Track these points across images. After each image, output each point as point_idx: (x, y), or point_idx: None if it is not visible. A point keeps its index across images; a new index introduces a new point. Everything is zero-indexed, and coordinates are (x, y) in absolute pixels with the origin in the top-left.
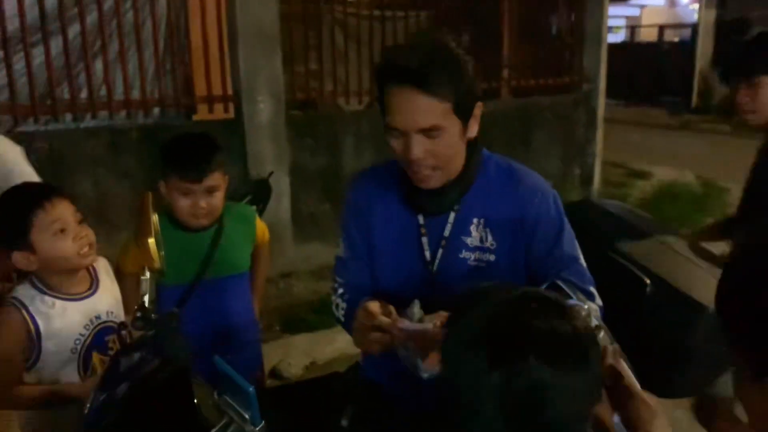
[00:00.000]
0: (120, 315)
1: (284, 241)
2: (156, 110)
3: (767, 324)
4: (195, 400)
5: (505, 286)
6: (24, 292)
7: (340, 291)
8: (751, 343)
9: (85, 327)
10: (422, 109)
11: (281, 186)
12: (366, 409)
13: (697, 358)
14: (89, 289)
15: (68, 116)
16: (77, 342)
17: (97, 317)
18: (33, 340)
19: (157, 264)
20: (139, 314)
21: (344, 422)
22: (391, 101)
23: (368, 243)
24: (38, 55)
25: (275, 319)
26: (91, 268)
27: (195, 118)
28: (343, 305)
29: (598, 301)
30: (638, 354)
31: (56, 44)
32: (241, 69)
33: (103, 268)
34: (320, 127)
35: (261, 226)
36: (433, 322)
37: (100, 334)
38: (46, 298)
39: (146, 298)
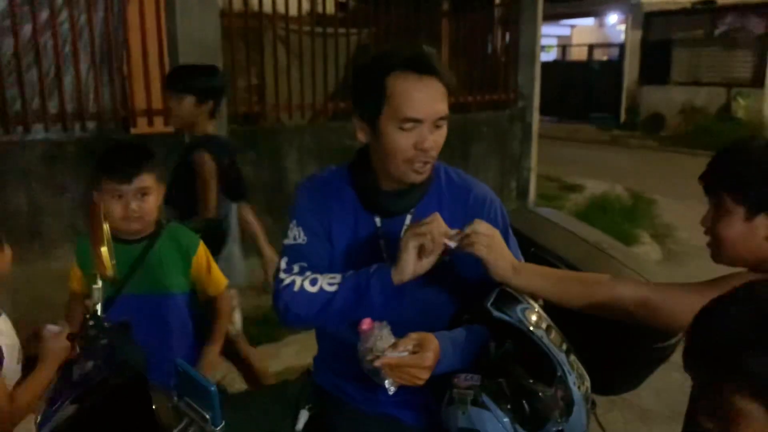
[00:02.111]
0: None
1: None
2: (92, 123)
3: None
4: (152, 405)
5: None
6: None
7: (308, 273)
8: None
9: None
10: (441, 98)
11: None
12: (319, 413)
13: (631, 355)
14: None
15: None
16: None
17: None
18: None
19: (109, 272)
20: (91, 322)
21: (299, 427)
22: (408, 91)
23: (328, 239)
24: None
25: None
26: None
27: (134, 131)
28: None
29: (541, 302)
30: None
31: None
32: None
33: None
34: (262, 142)
35: (204, 254)
36: (407, 349)
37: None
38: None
39: (98, 307)
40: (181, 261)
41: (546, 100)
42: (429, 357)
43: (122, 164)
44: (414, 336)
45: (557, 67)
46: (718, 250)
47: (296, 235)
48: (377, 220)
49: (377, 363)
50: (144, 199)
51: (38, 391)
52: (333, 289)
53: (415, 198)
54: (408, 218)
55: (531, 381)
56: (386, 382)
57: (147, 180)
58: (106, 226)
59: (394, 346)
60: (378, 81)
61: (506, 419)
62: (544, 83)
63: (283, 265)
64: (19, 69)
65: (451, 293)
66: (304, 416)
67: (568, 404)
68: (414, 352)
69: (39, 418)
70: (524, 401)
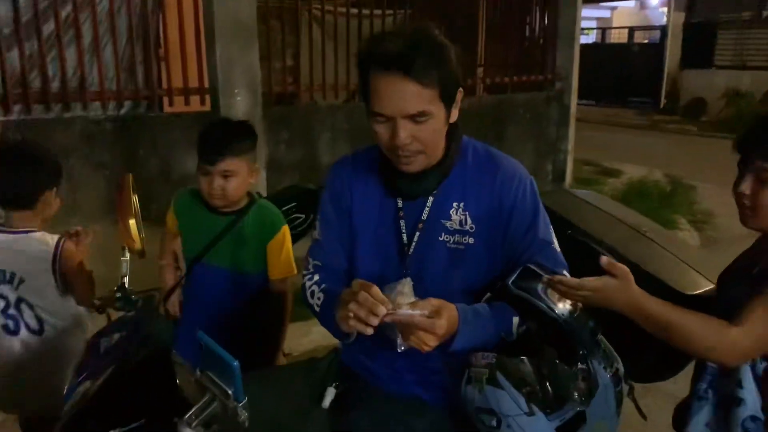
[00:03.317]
0: None
1: None
2: (128, 102)
3: None
4: (176, 379)
5: None
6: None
7: (316, 277)
8: None
9: None
10: (410, 96)
11: (258, 180)
12: (346, 391)
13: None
14: None
15: (39, 107)
16: None
17: None
18: None
19: (137, 244)
20: (119, 294)
21: (325, 404)
22: (378, 88)
23: (348, 227)
24: (11, 45)
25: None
26: None
27: (171, 110)
28: (320, 294)
29: None
30: (613, 338)
31: (29, 35)
32: (217, 61)
33: None
34: (296, 121)
35: (282, 238)
36: (422, 312)
37: None
38: None
39: (126, 279)
40: (258, 240)
41: (584, 84)
42: (441, 325)
43: (209, 146)
44: (434, 302)
45: (596, 50)
46: (755, 216)
47: (317, 229)
48: (398, 201)
49: (387, 318)
50: (227, 179)
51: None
52: (317, 309)
53: (435, 181)
54: (430, 200)
55: (552, 359)
56: (398, 338)
57: (230, 164)
58: (134, 199)
59: (412, 304)
60: (363, 75)
61: (522, 399)
62: (583, 67)
63: (307, 259)
64: (60, 48)
65: (474, 282)
66: (330, 394)
67: (591, 386)
68: (430, 317)
69: (65, 389)
70: (543, 380)
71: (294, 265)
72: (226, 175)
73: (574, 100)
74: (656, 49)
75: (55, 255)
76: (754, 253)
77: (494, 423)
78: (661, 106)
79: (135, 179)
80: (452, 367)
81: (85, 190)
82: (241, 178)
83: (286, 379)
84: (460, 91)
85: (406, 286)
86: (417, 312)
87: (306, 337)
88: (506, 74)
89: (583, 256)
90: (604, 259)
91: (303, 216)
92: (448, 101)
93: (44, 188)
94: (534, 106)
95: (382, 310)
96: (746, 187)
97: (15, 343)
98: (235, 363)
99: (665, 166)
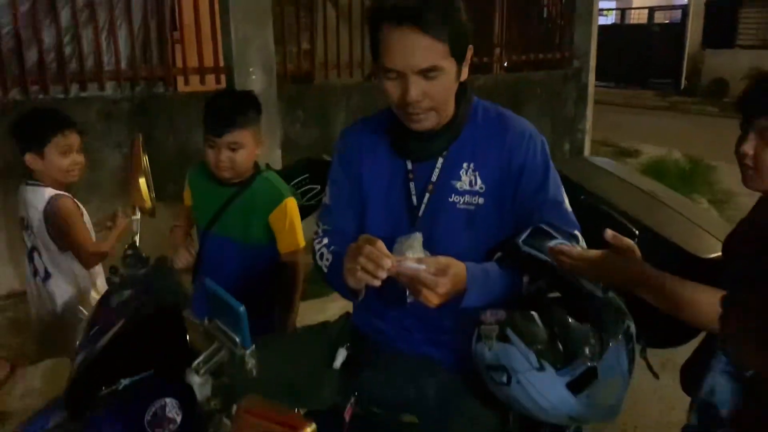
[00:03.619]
0: None
1: None
2: (144, 82)
3: None
4: (186, 333)
5: None
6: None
7: (325, 240)
8: None
9: None
10: (421, 50)
11: (273, 159)
12: (357, 352)
13: None
14: None
15: (57, 89)
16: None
17: None
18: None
19: (148, 204)
20: (130, 252)
21: (336, 365)
22: (389, 42)
23: (358, 191)
24: (28, 25)
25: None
26: None
27: (186, 89)
28: (329, 256)
29: (582, 244)
30: (629, 304)
31: (46, 16)
32: (232, 40)
33: None
34: (311, 100)
35: (285, 209)
36: (427, 268)
37: None
38: None
39: (137, 238)
40: (263, 212)
41: (603, 66)
42: (444, 283)
43: (216, 118)
44: (442, 260)
45: (616, 31)
46: (758, 177)
47: (329, 194)
48: (408, 163)
49: (390, 270)
50: (235, 151)
51: (107, 246)
52: (326, 271)
53: (444, 141)
54: (440, 162)
55: (563, 316)
56: (407, 291)
57: (237, 136)
58: (145, 159)
59: (420, 260)
60: (374, 31)
61: (532, 354)
62: (602, 48)
63: (317, 223)
64: (76, 28)
65: (484, 242)
66: (342, 355)
67: (602, 343)
68: (435, 275)
69: (78, 343)
70: (553, 336)
71: (301, 238)
72: (233, 147)
73: (591, 78)
74: (677, 29)
75: (45, 210)
76: (757, 215)
77: (504, 379)
78: (682, 87)
79: (150, 159)
80: (462, 326)
81: (102, 169)
82: (248, 150)
83: (298, 342)
84: (470, 48)
85: (416, 240)
86: (422, 267)
87: (321, 314)
88: (523, 53)
89: (597, 221)
90: (609, 233)
91: (318, 187)
92: (459, 57)
93: (24, 151)
94: (551, 85)
95: (388, 262)
96: (749, 147)
97: (42, 288)
98: (242, 308)
99: (685, 146)
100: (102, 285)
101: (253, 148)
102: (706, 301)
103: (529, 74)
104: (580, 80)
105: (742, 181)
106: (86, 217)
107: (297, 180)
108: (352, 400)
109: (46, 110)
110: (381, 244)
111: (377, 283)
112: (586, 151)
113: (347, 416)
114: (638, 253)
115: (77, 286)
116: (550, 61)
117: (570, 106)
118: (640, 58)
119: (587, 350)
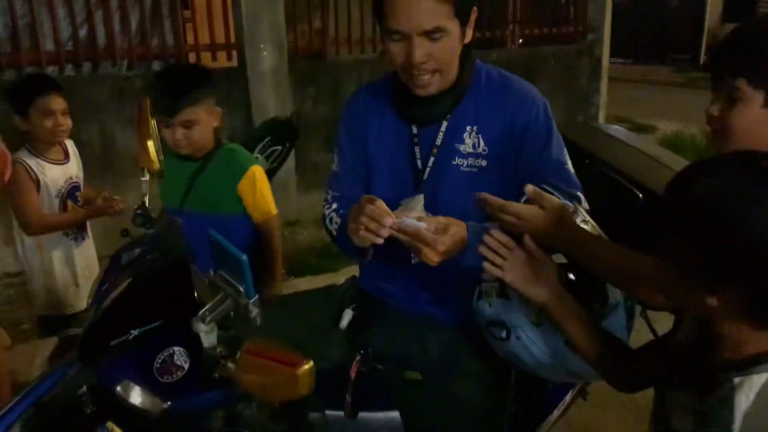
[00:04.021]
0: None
1: (288, 191)
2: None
3: None
4: (193, 286)
5: None
6: (24, 156)
7: (334, 205)
8: None
9: (63, 182)
10: (426, 10)
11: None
12: (363, 313)
13: None
14: (64, 158)
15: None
16: (59, 192)
17: (70, 177)
18: (37, 187)
19: (156, 165)
20: (139, 212)
21: (343, 325)
22: (393, 3)
23: (364, 156)
24: (41, 5)
25: (281, 264)
26: (64, 145)
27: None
28: (338, 220)
29: (585, 204)
30: None
31: None
32: (243, 17)
33: (71, 147)
34: (323, 76)
35: (252, 178)
36: (427, 226)
37: (72, 189)
38: (39, 160)
39: (146, 198)
40: (229, 182)
41: (619, 41)
42: (443, 241)
43: (165, 98)
44: (442, 219)
45: (632, 6)
46: (725, 141)
47: (336, 161)
48: (413, 127)
49: (392, 228)
50: (190, 129)
51: (62, 222)
52: (335, 234)
53: (448, 105)
54: (444, 125)
55: (562, 272)
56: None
57: (190, 114)
58: (153, 122)
59: (421, 219)
60: None
61: (530, 309)
62: (618, 23)
63: (326, 190)
64: (89, 7)
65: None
66: (347, 315)
67: (601, 298)
68: (435, 234)
69: (89, 300)
70: None
71: (273, 206)
72: (186, 125)
73: (606, 52)
74: (696, 3)
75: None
76: None
77: (504, 334)
78: (701, 62)
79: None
80: (465, 285)
81: (116, 146)
82: (203, 125)
83: (305, 304)
84: (474, 10)
85: (418, 202)
86: (422, 225)
87: None
88: (536, 26)
89: (602, 186)
90: (529, 188)
91: (279, 147)
92: (463, 18)
93: (15, 114)
94: (565, 60)
95: (389, 220)
96: (715, 109)
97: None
98: (244, 257)
99: (702, 122)
100: (58, 256)
101: (208, 123)
102: (638, 267)
103: (543, 49)
104: (594, 54)
105: (712, 144)
106: (52, 187)
107: (261, 144)
108: (358, 358)
109: (32, 75)
110: (381, 202)
111: (380, 240)
112: None
113: (353, 374)
114: (563, 213)
115: (22, 247)
116: (564, 35)
117: (584, 81)
118: (658, 33)
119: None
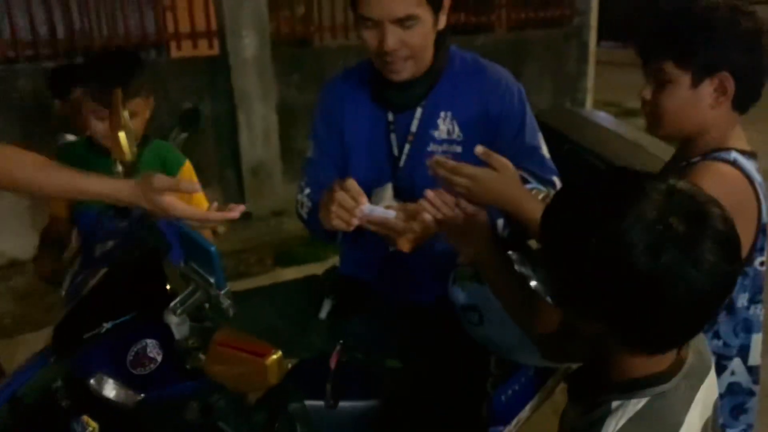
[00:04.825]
0: None
1: (274, 179)
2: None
3: None
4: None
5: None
6: None
7: (307, 191)
8: None
9: None
10: None
11: (269, 124)
12: (343, 302)
13: None
14: None
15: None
16: None
17: None
18: None
19: (128, 156)
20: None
21: (323, 315)
22: None
23: (340, 144)
24: None
25: (267, 254)
26: None
27: (178, 54)
28: (309, 204)
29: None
30: None
31: None
32: (224, 3)
33: None
34: (307, 63)
35: (189, 174)
36: (397, 214)
37: None
38: None
39: None
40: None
41: (610, 23)
42: (413, 228)
43: (104, 86)
44: (410, 206)
45: None
46: (658, 122)
47: (312, 147)
48: (389, 115)
49: (357, 215)
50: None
51: None
52: (306, 218)
53: (423, 89)
54: (418, 112)
55: (536, 257)
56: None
57: (132, 105)
58: (125, 114)
59: (390, 207)
60: None
61: None
62: (609, 6)
63: (301, 177)
64: None
65: None
66: (327, 305)
67: None
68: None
69: (63, 291)
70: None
71: (206, 198)
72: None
73: (593, 36)
74: None
75: None
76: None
77: (477, 319)
78: None
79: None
80: (442, 272)
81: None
82: (141, 117)
83: (285, 293)
84: None
85: (387, 190)
86: (392, 213)
87: None
88: (522, 10)
89: (580, 170)
90: (479, 149)
91: (186, 134)
92: (435, 5)
93: None
94: (552, 43)
95: (360, 210)
96: (647, 93)
97: None
98: (213, 248)
99: None
100: None
101: (146, 115)
102: None
103: (530, 33)
104: (581, 38)
105: (647, 128)
106: None
107: (171, 133)
108: (338, 347)
109: None
110: (353, 183)
111: (350, 229)
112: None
113: (333, 363)
114: (514, 173)
115: None
116: (550, 19)
117: (571, 65)
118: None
119: None
